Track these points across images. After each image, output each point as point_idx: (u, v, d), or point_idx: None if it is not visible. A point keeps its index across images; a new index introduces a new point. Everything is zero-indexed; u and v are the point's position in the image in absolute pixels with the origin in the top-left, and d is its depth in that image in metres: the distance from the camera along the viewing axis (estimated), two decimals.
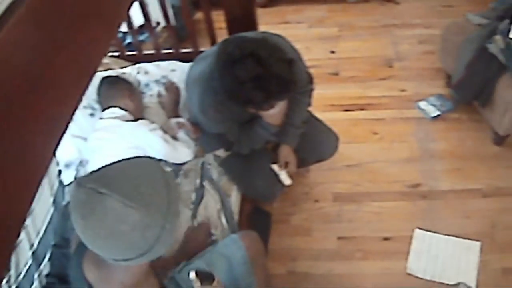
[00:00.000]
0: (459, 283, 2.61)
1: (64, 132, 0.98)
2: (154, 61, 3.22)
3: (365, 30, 4.59)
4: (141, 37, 3.72)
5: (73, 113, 1.01)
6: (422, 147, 3.47)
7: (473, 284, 2.70)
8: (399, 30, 4.54)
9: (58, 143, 0.96)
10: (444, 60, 3.76)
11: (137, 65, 3.18)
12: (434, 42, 4.07)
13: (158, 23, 3.88)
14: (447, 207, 3.10)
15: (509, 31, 3.09)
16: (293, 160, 2.75)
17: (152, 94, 3.01)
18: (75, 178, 2.70)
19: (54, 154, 0.97)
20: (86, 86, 1.07)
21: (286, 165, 2.74)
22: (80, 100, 1.04)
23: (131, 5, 1.35)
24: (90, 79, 1.07)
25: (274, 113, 2.29)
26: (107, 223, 1.42)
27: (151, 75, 3.10)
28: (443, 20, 4.01)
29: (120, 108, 2.72)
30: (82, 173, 2.69)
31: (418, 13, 4.71)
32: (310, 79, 2.69)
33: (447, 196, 3.17)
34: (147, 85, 3.05)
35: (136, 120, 2.72)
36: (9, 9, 0.81)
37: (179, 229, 2.15)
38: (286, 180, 2.75)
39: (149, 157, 1.69)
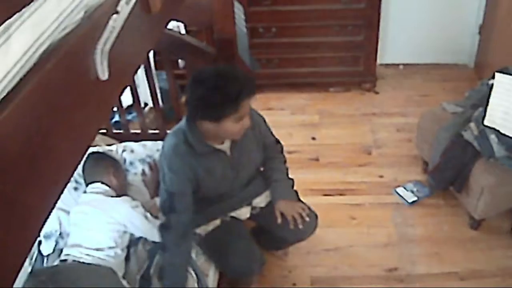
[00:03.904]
0: None
1: (55, 204, 1.01)
2: (140, 140, 3.27)
3: (345, 118, 4.72)
4: (129, 117, 3.79)
5: (65, 187, 1.05)
6: (399, 232, 3.50)
7: None
8: (377, 118, 4.68)
9: (48, 216, 1.00)
10: (421, 147, 3.86)
11: (123, 144, 3.23)
12: (411, 130, 4.18)
13: (146, 104, 3.97)
14: None
15: (483, 118, 3.19)
16: (292, 207, 2.74)
17: (136, 172, 3.05)
18: (54, 250, 2.73)
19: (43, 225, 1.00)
20: (79, 162, 1.12)
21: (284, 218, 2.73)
22: (72, 174, 1.09)
23: (124, 89, 1.41)
24: (83, 156, 1.12)
25: (240, 127, 2.35)
26: None
27: (136, 153, 3.14)
28: (420, 109, 4.15)
29: (104, 183, 2.76)
30: (62, 245, 2.71)
31: (396, 103, 4.87)
32: (277, 140, 2.87)
33: (424, 279, 3.16)
34: (132, 163, 3.09)
35: (118, 196, 2.75)
36: (12, 91, 0.86)
37: None
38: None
39: (112, 270, 1.69)
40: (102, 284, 1.53)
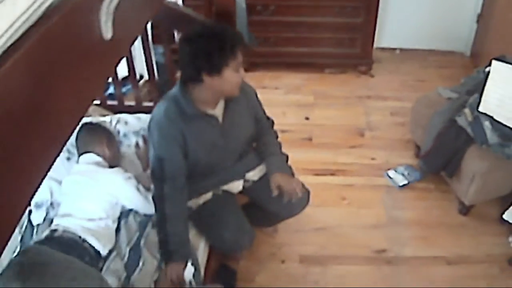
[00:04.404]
0: None
1: (48, 170, 1.00)
2: (135, 112, 3.26)
3: (340, 100, 4.72)
4: (123, 89, 3.77)
5: (60, 152, 1.04)
6: (389, 214, 3.52)
7: None
8: (372, 101, 4.69)
9: (40, 182, 0.99)
10: (414, 131, 3.87)
11: (117, 115, 3.22)
12: (405, 115, 4.19)
13: (141, 77, 3.95)
14: (411, 273, 3.12)
15: (478, 105, 3.20)
16: (288, 181, 2.74)
17: (129, 144, 3.05)
18: (44, 219, 2.71)
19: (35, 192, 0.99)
20: (76, 125, 1.11)
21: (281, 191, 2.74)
22: (69, 137, 1.08)
23: (120, 59, 1.41)
24: (81, 118, 1.12)
25: (239, 77, 2.40)
26: None
27: (130, 126, 3.13)
28: (415, 94, 4.15)
29: (97, 154, 2.75)
30: (52, 215, 2.69)
31: (391, 87, 4.88)
32: (267, 116, 2.92)
33: (412, 262, 3.19)
34: (125, 135, 3.08)
35: (111, 167, 2.75)
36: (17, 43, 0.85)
37: None
38: None
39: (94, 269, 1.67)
40: (88, 280, 1.53)
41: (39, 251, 1.58)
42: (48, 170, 1.00)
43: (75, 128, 1.09)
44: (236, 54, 2.30)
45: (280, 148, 2.89)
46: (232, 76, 2.34)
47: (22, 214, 0.95)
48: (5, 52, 0.83)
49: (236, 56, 2.30)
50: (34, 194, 0.97)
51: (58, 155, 1.02)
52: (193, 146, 2.51)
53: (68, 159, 2.94)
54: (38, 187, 0.98)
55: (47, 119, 0.96)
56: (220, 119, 2.56)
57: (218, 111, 2.55)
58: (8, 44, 0.83)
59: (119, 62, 1.43)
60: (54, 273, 1.52)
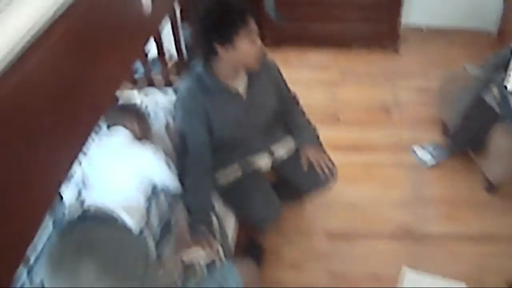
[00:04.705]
0: None
1: (80, 151, 1.03)
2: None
3: (366, 78, 4.72)
4: (153, 71, 3.78)
5: (90, 135, 1.07)
6: (415, 191, 3.54)
7: None
8: (399, 79, 4.67)
9: (74, 162, 1.02)
10: (441, 109, 3.87)
11: (145, 90, 3.26)
12: (432, 93, 4.19)
13: (171, 57, 3.96)
14: (436, 250, 3.15)
15: (503, 81, 3.19)
16: (319, 154, 2.83)
17: (160, 124, 3.04)
18: (76, 199, 2.63)
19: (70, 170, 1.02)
20: (105, 110, 1.14)
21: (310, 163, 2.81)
22: (97, 123, 1.11)
23: (147, 40, 1.43)
24: (110, 104, 1.15)
25: (254, 48, 2.39)
26: (74, 283, 1.39)
27: (160, 103, 3.14)
28: (442, 72, 4.11)
29: (126, 127, 2.70)
30: (84, 194, 2.61)
31: (418, 65, 4.86)
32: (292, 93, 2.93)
33: (437, 239, 3.22)
34: (155, 113, 3.08)
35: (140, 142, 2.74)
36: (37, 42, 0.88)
37: None
38: None
39: (139, 236, 1.69)
40: (134, 245, 1.55)
41: (85, 228, 1.60)
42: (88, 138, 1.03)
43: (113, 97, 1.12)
44: (246, 22, 2.31)
45: (309, 121, 2.92)
46: (246, 46, 2.35)
47: (56, 195, 0.98)
48: (52, 24, 0.86)
49: (248, 25, 2.31)
50: (72, 165, 1.00)
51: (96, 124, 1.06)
52: (216, 121, 2.55)
53: (96, 132, 2.91)
54: (71, 166, 1.01)
55: (92, 86, 0.99)
56: (244, 94, 2.59)
57: (240, 86, 2.58)
58: (57, 16, 0.86)
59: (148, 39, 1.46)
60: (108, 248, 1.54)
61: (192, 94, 2.50)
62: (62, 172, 1.00)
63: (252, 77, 2.59)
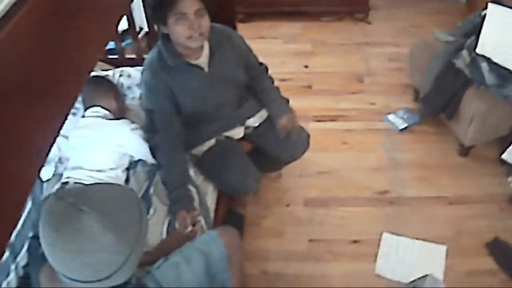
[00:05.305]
0: (427, 275, 2.65)
1: (59, 131, 1.02)
2: (136, 65, 3.25)
3: (338, 47, 4.77)
4: (123, 44, 3.76)
5: (69, 112, 1.06)
6: (389, 156, 3.60)
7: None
8: (370, 48, 4.73)
9: (53, 142, 1.01)
10: (412, 75, 3.92)
11: (120, 69, 3.25)
12: (403, 60, 4.25)
13: (141, 29, 3.94)
14: (414, 213, 3.21)
15: (475, 47, 3.25)
16: (293, 120, 2.87)
17: (134, 96, 3.07)
18: (53, 175, 2.71)
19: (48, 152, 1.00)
20: (82, 85, 1.13)
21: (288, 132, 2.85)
22: (76, 99, 1.10)
23: (121, 18, 1.42)
24: (86, 79, 1.14)
25: (184, 29, 2.32)
26: (77, 239, 1.40)
27: (133, 78, 3.16)
28: (412, 40, 4.16)
29: (103, 107, 2.75)
30: (61, 170, 2.69)
31: (389, 33, 4.93)
32: (260, 62, 2.91)
33: (413, 203, 3.28)
34: (129, 87, 3.11)
35: (118, 119, 2.76)
36: (12, 9, 0.87)
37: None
38: None
39: (130, 188, 1.72)
40: (128, 198, 1.56)
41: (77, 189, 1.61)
42: (65, 119, 1.02)
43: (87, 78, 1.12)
44: (174, 3, 2.26)
45: (279, 92, 2.93)
46: (177, 27, 2.31)
47: (38, 174, 0.97)
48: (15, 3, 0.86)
49: (176, 4, 2.26)
50: (50, 148, 0.99)
51: (71, 108, 1.05)
52: (181, 96, 2.53)
53: (74, 114, 2.92)
54: (54, 140, 1.01)
55: (69, 57, 0.99)
56: (206, 68, 2.55)
57: (202, 60, 2.54)
58: None
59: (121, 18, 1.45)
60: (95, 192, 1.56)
61: (152, 70, 2.49)
62: (44, 148, 0.99)
63: (214, 50, 2.56)
